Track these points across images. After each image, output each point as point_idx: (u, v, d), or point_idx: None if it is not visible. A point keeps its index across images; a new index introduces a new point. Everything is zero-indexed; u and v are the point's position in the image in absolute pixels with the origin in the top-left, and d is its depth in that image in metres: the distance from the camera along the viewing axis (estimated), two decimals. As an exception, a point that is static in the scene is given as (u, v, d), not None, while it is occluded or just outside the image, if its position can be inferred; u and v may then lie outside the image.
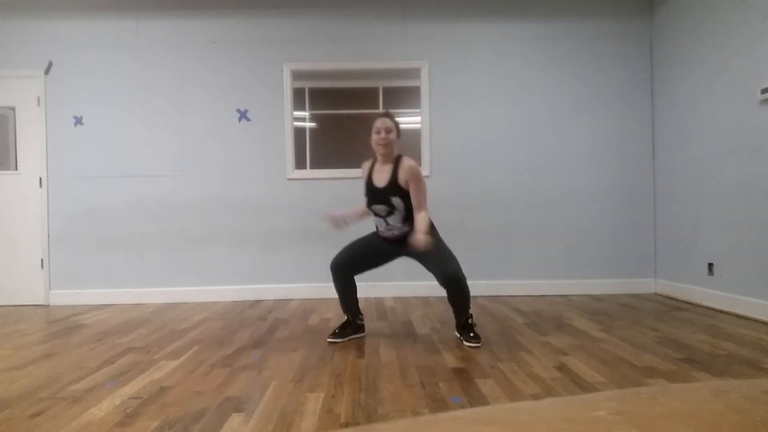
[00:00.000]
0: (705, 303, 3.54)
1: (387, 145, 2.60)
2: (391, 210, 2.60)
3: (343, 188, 4.14)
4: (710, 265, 3.51)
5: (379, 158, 2.67)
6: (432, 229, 2.64)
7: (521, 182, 4.20)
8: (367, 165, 2.79)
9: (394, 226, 2.63)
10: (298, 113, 4.35)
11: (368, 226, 2.97)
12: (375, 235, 2.77)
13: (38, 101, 4.14)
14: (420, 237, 2.40)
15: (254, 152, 4.19)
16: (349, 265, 2.69)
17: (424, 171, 4.14)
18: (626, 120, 4.20)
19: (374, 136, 2.62)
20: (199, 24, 4.19)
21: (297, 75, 4.25)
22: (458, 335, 2.72)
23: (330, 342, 2.67)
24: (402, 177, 2.58)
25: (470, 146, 4.19)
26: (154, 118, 4.18)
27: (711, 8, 3.49)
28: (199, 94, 4.19)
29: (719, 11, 3.42)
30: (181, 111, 4.19)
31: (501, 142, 4.21)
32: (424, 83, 4.19)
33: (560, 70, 4.21)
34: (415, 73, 4.22)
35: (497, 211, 4.20)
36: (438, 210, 4.17)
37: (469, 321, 2.67)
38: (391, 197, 2.58)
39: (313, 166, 4.35)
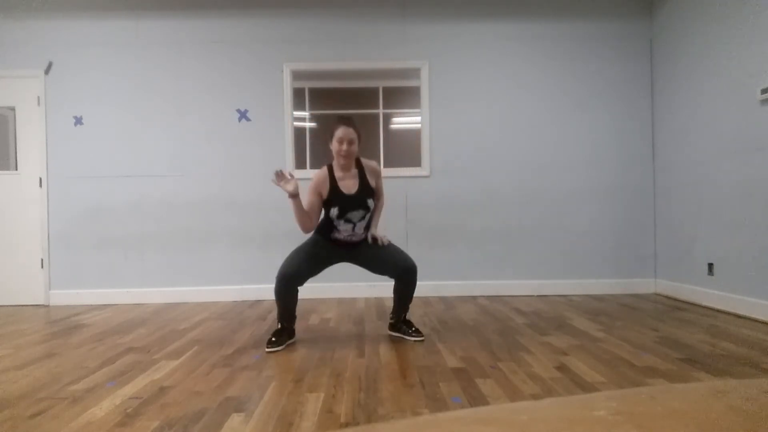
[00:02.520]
0: (705, 303, 3.54)
1: (349, 156, 2.58)
2: (366, 213, 2.62)
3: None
4: (710, 265, 3.51)
5: (339, 168, 2.61)
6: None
7: (521, 182, 4.20)
8: (322, 175, 2.60)
9: (357, 232, 2.64)
10: (298, 113, 4.35)
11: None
12: (325, 242, 2.67)
13: (38, 101, 4.14)
14: (379, 236, 2.67)
15: (254, 152, 4.19)
16: (304, 277, 2.58)
17: (425, 171, 4.18)
18: (626, 120, 4.20)
19: (336, 145, 2.54)
20: (199, 24, 4.19)
21: (297, 75, 4.25)
22: (396, 333, 2.78)
23: (269, 352, 2.50)
24: (371, 178, 2.67)
25: (470, 146, 4.19)
26: (154, 118, 4.18)
27: (711, 8, 3.49)
28: (199, 94, 4.19)
29: (719, 11, 3.41)
30: (181, 111, 4.18)
31: (501, 142, 4.21)
32: (424, 83, 4.19)
33: (560, 70, 4.21)
34: (415, 73, 4.22)
35: (497, 211, 4.20)
36: (438, 210, 4.18)
37: (407, 316, 2.81)
38: (367, 199, 2.62)
39: (313, 166, 4.35)
